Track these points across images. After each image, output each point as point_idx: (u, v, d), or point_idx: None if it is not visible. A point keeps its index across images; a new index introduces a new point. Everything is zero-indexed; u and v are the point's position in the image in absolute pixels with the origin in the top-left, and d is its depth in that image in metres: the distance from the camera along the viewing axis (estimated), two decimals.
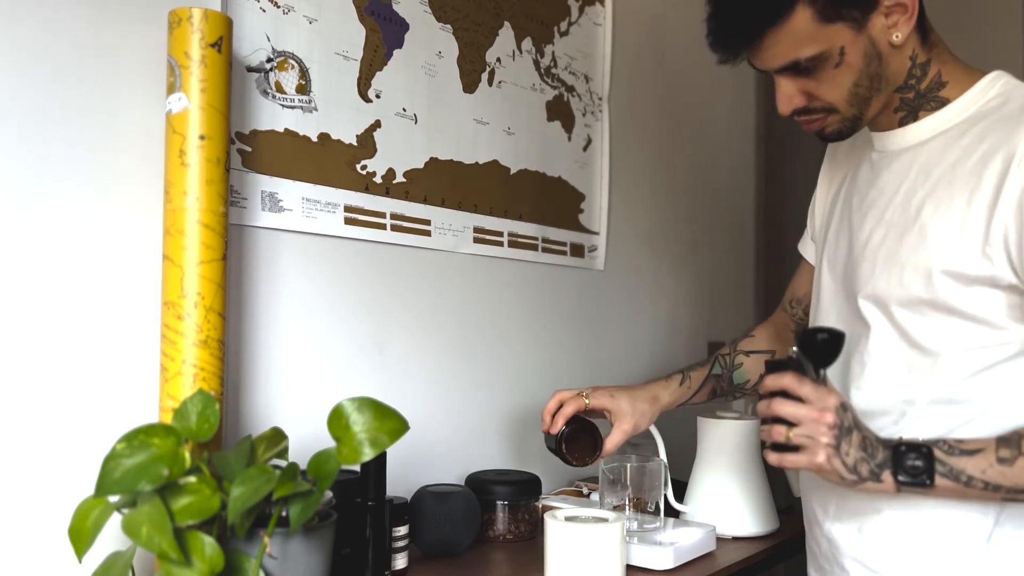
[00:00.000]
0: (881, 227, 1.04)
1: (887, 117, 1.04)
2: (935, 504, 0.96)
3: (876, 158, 1.08)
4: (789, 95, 0.98)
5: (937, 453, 0.90)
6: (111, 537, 0.94)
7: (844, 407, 0.92)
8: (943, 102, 1.00)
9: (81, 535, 0.80)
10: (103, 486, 0.79)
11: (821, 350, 0.93)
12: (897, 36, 0.94)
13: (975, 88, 0.99)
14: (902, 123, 1.03)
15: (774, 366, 0.95)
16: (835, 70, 0.95)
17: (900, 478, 0.91)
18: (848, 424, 0.91)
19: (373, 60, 1.33)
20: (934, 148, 1.00)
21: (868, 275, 1.03)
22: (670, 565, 1.18)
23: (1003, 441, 0.90)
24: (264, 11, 1.19)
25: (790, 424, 0.92)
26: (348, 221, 1.29)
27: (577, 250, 1.74)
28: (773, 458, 0.94)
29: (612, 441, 1.20)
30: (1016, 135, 0.92)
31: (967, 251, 0.93)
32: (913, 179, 1.01)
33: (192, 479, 0.82)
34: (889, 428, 0.99)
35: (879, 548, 1.01)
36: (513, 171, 1.58)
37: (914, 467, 0.90)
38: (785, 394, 0.92)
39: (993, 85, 0.99)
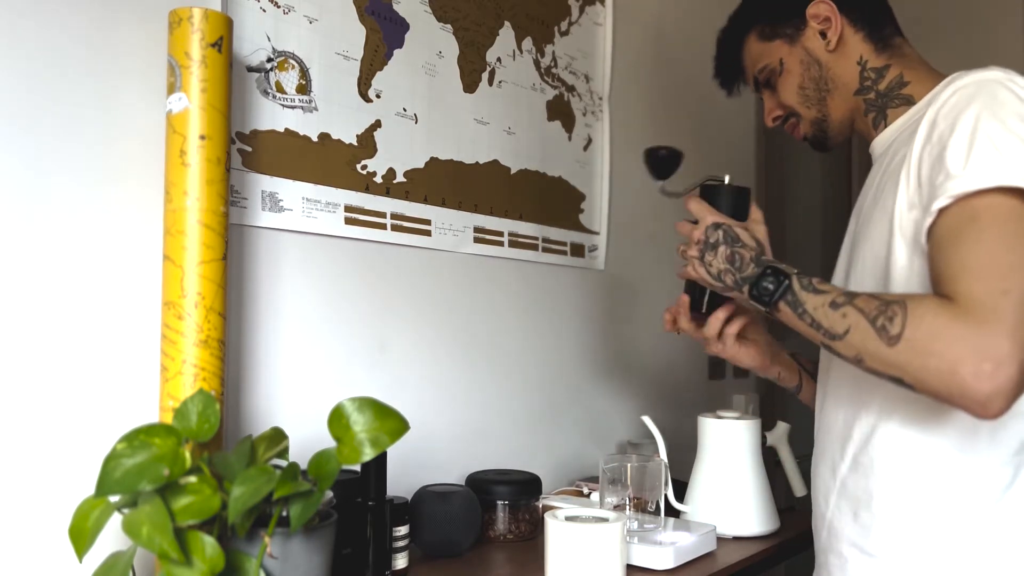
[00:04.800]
0: (856, 227, 1.11)
1: (863, 121, 1.13)
2: (932, 488, 0.97)
3: (872, 166, 1.13)
4: (769, 108, 1.21)
5: (794, 282, 0.97)
6: (111, 537, 0.94)
7: (716, 226, 1.08)
8: (907, 99, 1.08)
9: (81, 535, 0.80)
10: (103, 486, 0.79)
11: (660, 164, 1.17)
12: (829, 45, 1.11)
13: (939, 85, 1.02)
14: (875, 124, 1.11)
15: (701, 189, 1.16)
16: (782, 78, 1.16)
17: (752, 292, 1.01)
18: (715, 240, 1.07)
19: (373, 60, 1.33)
20: (896, 147, 1.05)
21: (842, 279, 1.11)
22: (670, 565, 1.18)
23: (850, 292, 0.92)
24: (264, 11, 1.19)
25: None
26: (348, 221, 1.29)
27: (577, 250, 1.74)
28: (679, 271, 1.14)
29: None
30: (934, 104, 0.96)
31: (900, 220, 0.97)
32: (879, 179, 1.07)
33: (193, 479, 0.82)
34: (864, 420, 1.04)
35: (875, 532, 1.02)
36: (513, 171, 1.58)
37: (765, 288, 0.99)
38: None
39: (951, 82, 1.00)
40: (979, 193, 0.86)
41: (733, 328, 1.19)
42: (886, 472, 1.00)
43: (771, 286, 0.98)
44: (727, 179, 1.17)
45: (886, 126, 1.10)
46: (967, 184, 0.86)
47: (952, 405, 0.85)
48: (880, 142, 1.10)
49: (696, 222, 1.12)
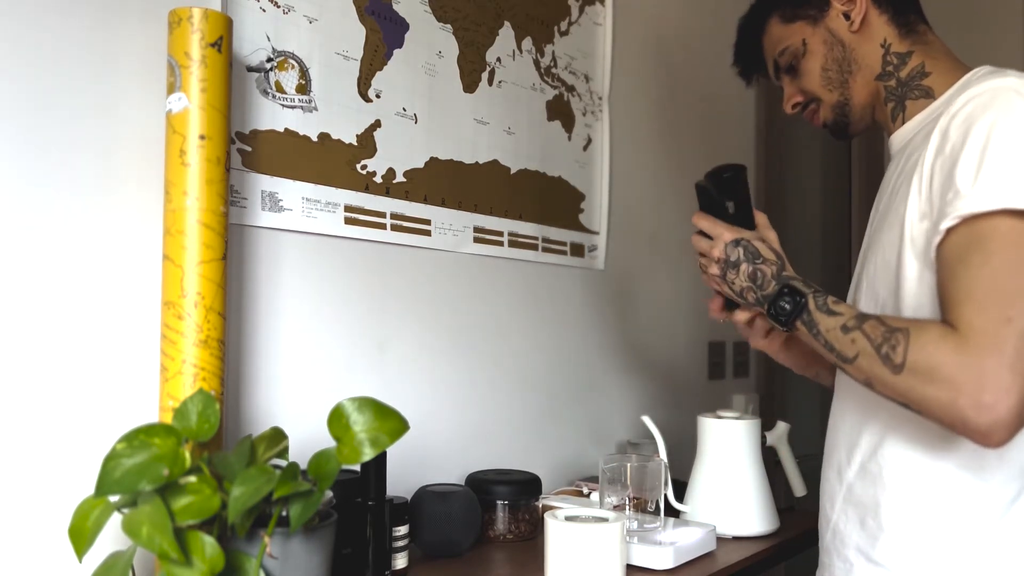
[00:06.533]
0: (871, 231, 1.09)
1: (882, 111, 1.11)
2: (939, 501, 0.97)
3: (890, 163, 1.12)
4: (789, 94, 1.18)
5: (810, 302, 0.97)
6: (111, 537, 0.94)
7: (736, 243, 1.08)
8: (927, 91, 1.05)
9: (81, 535, 0.80)
10: (103, 486, 0.79)
11: (727, 186, 1.14)
12: (853, 25, 1.09)
13: (959, 83, 1.01)
14: (894, 116, 1.09)
15: (697, 190, 1.17)
16: (805, 60, 1.13)
17: (770, 312, 1.02)
18: (736, 259, 1.07)
19: (373, 60, 1.33)
20: (912, 147, 1.03)
21: (856, 285, 1.10)
22: (670, 565, 1.18)
23: (861, 315, 0.92)
24: (264, 11, 1.19)
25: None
26: (348, 221, 1.29)
27: (577, 250, 1.74)
28: (704, 278, 1.14)
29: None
30: (948, 112, 0.94)
31: (912, 230, 0.96)
32: (894, 181, 1.05)
33: (192, 479, 0.82)
34: (870, 427, 1.03)
35: (882, 541, 1.01)
36: (513, 171, 1.58)
37: (782, 308, 1.00)
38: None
39: (968, 85, 0.98)
40: (986, 215, 0.84)
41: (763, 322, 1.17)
42: (894, 482, 1.00)
43: (787, 306, 0.99)
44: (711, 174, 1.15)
45: (904, 120, 1.08)
46: (974, 205, 0.85)
47: (956, 434, 0.86)
48: (898, 139, 1.09)
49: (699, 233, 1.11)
